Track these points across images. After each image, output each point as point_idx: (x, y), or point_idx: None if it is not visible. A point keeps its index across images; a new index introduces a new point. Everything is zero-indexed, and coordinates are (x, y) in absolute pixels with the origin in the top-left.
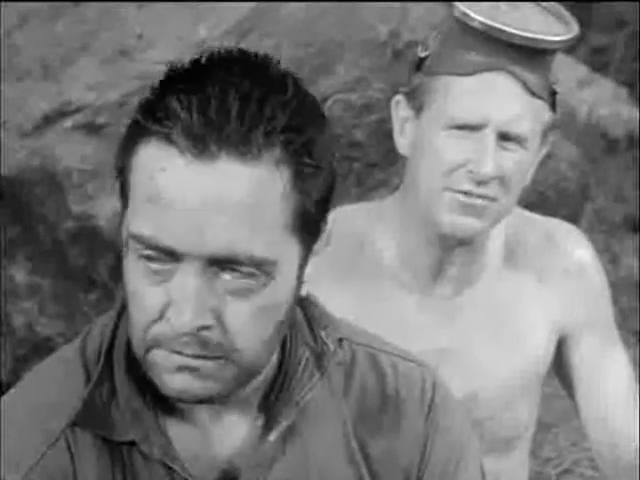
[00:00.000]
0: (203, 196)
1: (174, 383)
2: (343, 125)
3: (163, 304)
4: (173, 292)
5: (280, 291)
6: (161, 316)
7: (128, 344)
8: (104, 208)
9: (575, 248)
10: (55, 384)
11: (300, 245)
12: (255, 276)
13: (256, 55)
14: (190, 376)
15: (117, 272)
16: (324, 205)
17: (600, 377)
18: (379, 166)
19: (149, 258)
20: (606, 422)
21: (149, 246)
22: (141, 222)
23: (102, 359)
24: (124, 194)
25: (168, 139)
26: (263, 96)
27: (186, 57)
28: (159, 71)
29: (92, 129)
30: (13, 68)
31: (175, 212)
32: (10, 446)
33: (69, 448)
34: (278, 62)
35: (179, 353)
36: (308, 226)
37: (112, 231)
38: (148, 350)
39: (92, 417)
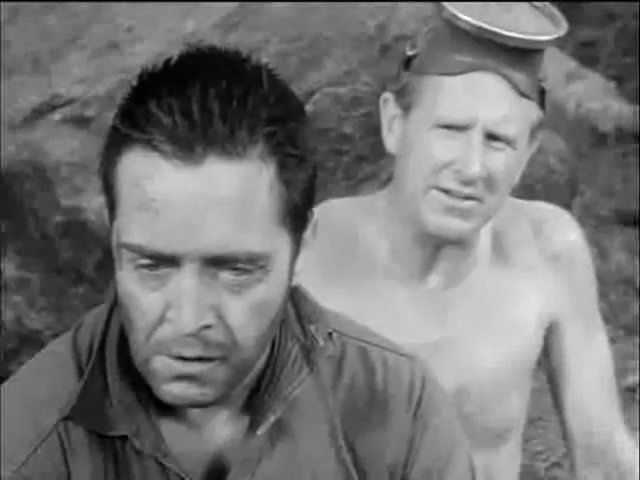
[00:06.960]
0: (194, 198)
1: (172, 391)
2: (331, 118)
3: (162, 307)
4: (172, 294)
5: (274, 285)
6: (162, 319)
7: (120, 340)
8: (93, 201)
9: (563, 235)
10: (47, 378)
11: (290, 236)
12: (251, 271)
13: (227, 51)
14: (188, 384)
15: (105, 266)
16: (309, 194)
17: (582, 364)
18: (368, 159)
19: (144, 266)
20: (582, 409)
21: (145, 254)
22: (134, 231)
23: (94, 354)
24: (111, 204)
25: (151, 145)
26: (243, 92)
27: (174, 51)
28: (147, 64)
29: (81, 122)
30: (3, 62)
31: (167, 217)
32: (2, 440)
33: (61, 442)
34: (249, 56)
35: (180, 358)
36: (296, 216)
37: (101, 225)
38: (150, 357)
39: (85, 412)
